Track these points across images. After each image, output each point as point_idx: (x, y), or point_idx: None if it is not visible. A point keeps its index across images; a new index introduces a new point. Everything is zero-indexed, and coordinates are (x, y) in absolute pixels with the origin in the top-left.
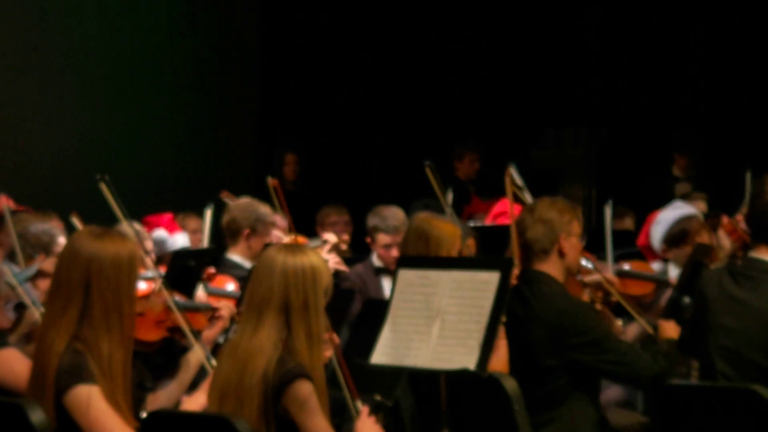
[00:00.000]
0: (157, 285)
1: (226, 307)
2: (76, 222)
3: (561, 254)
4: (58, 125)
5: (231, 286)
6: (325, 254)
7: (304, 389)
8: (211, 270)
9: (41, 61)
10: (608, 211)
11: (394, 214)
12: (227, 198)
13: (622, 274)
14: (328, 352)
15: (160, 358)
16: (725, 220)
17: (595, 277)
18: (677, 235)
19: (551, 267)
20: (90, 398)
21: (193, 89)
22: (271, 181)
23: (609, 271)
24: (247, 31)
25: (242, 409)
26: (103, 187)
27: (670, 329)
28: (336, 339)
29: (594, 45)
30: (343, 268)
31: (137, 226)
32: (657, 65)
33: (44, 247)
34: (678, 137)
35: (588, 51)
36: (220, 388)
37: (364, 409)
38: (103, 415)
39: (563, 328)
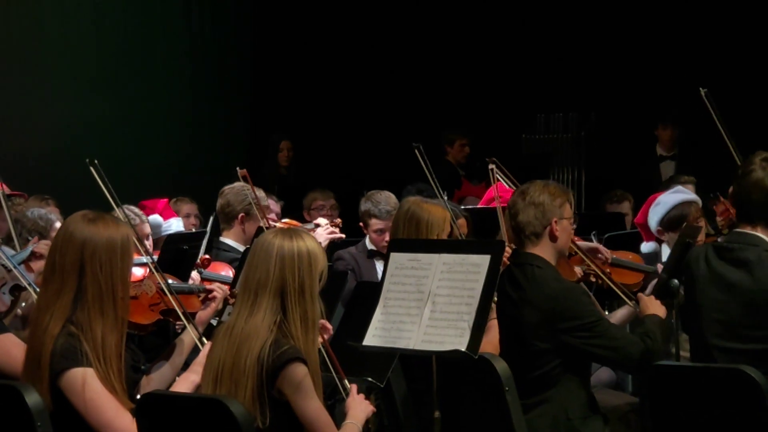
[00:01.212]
0: (148, 269)
1: (219, 289)
2: None
3: (552, 238)
4: (53, 115)
5: (225, 272)
6: (318, 231)
7: (299, 371)
8: (206, 256)
9: (35, 53)
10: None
11: (387, 199)
12: None
13: (612, 264)
14: (319, 339)
15: (154, 340)
16: (721, 200)
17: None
18: (674, 219)
19: (542, 250)
20: (85, 380)
21: (186, 77)
22: (240, 172)
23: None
24: (240, 20)
25: (237, 390)
26: (93, 171)
27: (652, 304)
28: (328, 326)
29: (582, 31)
30: (338, 235)
31: (136, 209)
32: (643, 49)
33: (40, 231)
34: (660, 112)
35: (576, 36)
36: (214, 369)
37: (353, 387)
38: (98, 397)
39: (555, 311)
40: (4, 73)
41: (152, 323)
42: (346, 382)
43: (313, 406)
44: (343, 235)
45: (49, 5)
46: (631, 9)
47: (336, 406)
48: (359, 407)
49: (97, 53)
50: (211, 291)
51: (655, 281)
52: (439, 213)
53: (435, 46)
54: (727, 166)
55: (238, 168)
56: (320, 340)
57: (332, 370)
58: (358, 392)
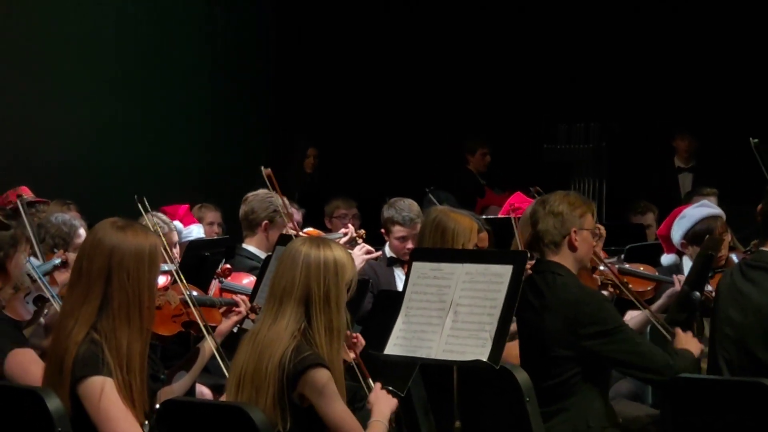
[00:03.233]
0: (171, 278)
1: (243, 303)
2: None
3: (572, 248)
4: (72, 118)
5: (246, 282)
6: (355, 251)
7: (321, 375)
8: (227, 266)
9: (55, 56)
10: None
11: (410, 207)
12: None
13: (623, 272)
14: (351, 354)
15: (174, 348)
16: None
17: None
18: (700, 233)
19: (563, 259)
20: (103, 390)
21: (207, 80)
22: (265, 171)
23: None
24: (262, 23)
25: (258, 396)
26: (140, 207)
27: (687, 341)
28: (362, 341)
29: (604, 40)
30: (375, 255)
31: (164, 217)
32: (665, 59)
33: (64, 237)
34: (678, 123)
35: (599, 46)
36: (237, 375)
37: (376, 385)
38: (113, 408)
39: (577, 317)
40: (24, 78)
41: (173, 335)
42: (370, 380)
43: (338, 408)
44: (380, 253)
45: (70, 9)
46: (653, 20)
47: (356, 413)
48: (384, 402)
49: (117, 56)
50: (232, 305)
51: (670, 290)
52: (465, 222)
53: (458, 54)
54: (745, 180)
55: (263, 167)
56: (353, 355)
57: (357, 372)
58: None
